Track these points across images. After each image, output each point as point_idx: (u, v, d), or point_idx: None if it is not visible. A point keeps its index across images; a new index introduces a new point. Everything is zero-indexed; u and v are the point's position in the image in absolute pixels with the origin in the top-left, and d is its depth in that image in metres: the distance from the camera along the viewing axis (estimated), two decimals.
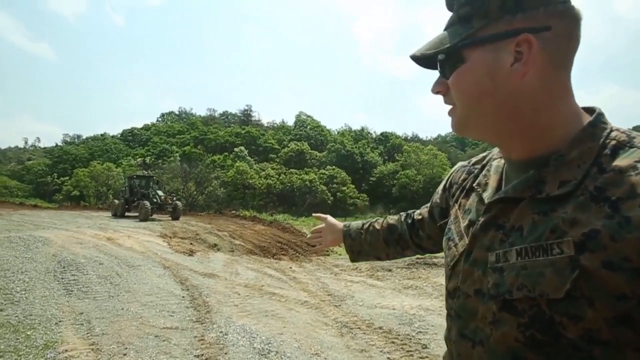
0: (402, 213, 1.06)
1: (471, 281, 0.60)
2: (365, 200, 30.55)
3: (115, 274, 5.69)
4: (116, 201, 17.92)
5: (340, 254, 8.80)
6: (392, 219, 1.06)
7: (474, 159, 0.80)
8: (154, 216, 15.60)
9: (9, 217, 13.33)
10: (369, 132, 48.36)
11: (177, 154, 37.65)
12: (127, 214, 16.64)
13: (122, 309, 4.24)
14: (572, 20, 0.54)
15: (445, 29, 0.61)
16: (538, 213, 0.53)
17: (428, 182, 29.84)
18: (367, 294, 5.59)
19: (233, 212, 20.99)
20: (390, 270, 7.09)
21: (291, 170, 31.52)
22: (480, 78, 0.56)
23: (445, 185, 0.85)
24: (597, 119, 0.56)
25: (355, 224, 1.13)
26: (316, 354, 3.41)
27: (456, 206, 0.74)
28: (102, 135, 55.97)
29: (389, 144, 43.17)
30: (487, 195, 0.65)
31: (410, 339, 3.82)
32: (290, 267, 7.50)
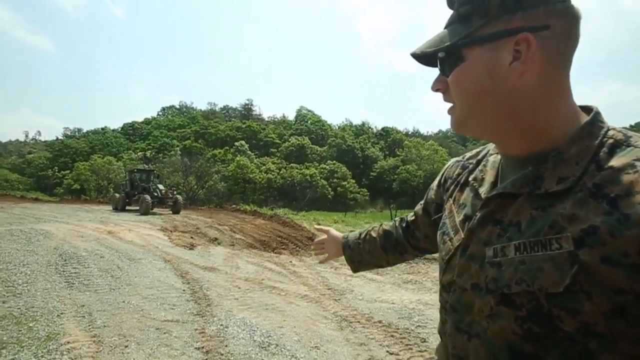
0: (396, 218, 1.07)
1: (467, 275, 0.61)
2: (366, 195, 30.63)
3: (116, 267, 5.71)
4: (117, 195, 17.94)
5: None
6: (387, 225, 1.07)
7: (468, 154, 0.80)
8: (155, 210, 15.57)
9: (11, 210, 13.34)
10: (369, 127, 48.36)
11: (178, 148, 37.72)
12: (127, 207, 16.63)
13: (123, 301, 4.27)
14: (572, 19, 0.55)
15: (445, 27, 0.61)
16: (536, 209, 0.54)
17: (429, 177, 29.93)
18: (366, 288, 5.62)
19: (233, 206, 20.96)
20: None
21: (292, 164, 31.59)
22: (480, 77, 0.56)
23: (440, 181, 0.84)
24: (595, 117, 0.57)
25: (354, 234, 1.13)
26: (316, 347, 3.44)
27: (450, 200, 0.74)
28: (102, 129, 56.03)
29: (389, 139, 43.15)
30: (483, 190, 0.65)
31: (410, 332, 3.85)
32: (291, 261, 7.52)
